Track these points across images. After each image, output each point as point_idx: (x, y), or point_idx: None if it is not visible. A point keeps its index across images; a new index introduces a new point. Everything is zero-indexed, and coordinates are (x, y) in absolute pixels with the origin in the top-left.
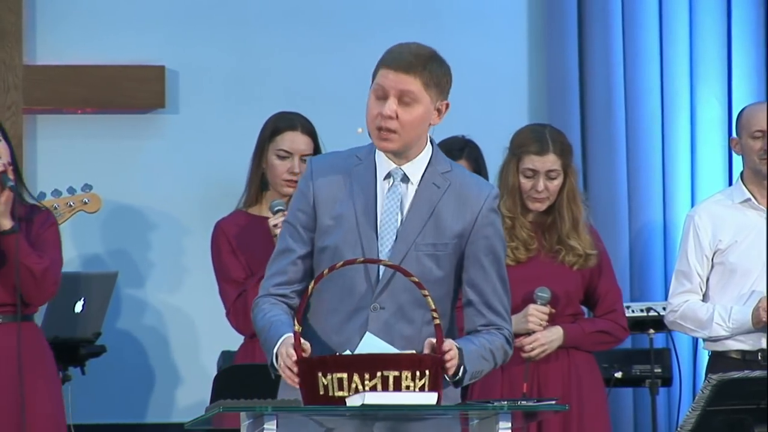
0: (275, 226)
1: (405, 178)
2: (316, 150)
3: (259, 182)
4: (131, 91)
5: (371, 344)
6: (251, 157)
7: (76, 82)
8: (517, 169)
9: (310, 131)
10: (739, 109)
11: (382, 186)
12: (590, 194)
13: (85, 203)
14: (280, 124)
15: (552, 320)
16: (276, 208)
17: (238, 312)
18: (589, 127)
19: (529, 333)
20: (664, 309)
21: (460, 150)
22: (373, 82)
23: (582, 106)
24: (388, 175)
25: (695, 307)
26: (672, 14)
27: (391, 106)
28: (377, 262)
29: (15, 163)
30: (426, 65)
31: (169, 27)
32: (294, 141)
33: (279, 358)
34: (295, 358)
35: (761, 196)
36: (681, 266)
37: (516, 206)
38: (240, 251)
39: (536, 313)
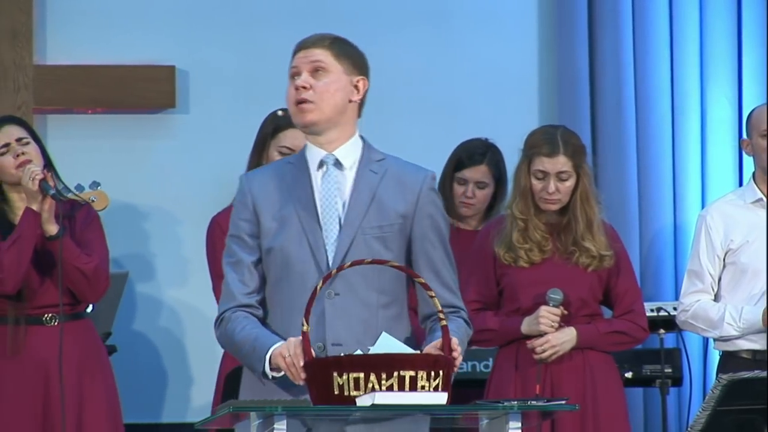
0: None
1: (338, 164)
2: None
3: None
4: (141, 91)
5: (387, 344)
6: (250, 152)
7: (87, 82)
8: (528, 170)
9: None
10: (750, 110)
11: (315, 177)
12: (600, 195)
13: (93, 201)
14: (282, 121)
15: (566, 322)
16: None
17: None
18: (599, 127)
19: (541, 334)
20: (674, 309)
21: (482, 154)
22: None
23: (592, 106)
24: (321, 164)
25: (706, 306)
26: (682, 14)
27: (305, 77)
28: (382, 263)
29: (49, 160)
30: (333, 41)
31: (179, 27)
32: (297, 138)
33: (275, 360)
34: (301, 357)
35: None
36: (693, 266)
37: (529, 208)
38: None
39: (547, 314)
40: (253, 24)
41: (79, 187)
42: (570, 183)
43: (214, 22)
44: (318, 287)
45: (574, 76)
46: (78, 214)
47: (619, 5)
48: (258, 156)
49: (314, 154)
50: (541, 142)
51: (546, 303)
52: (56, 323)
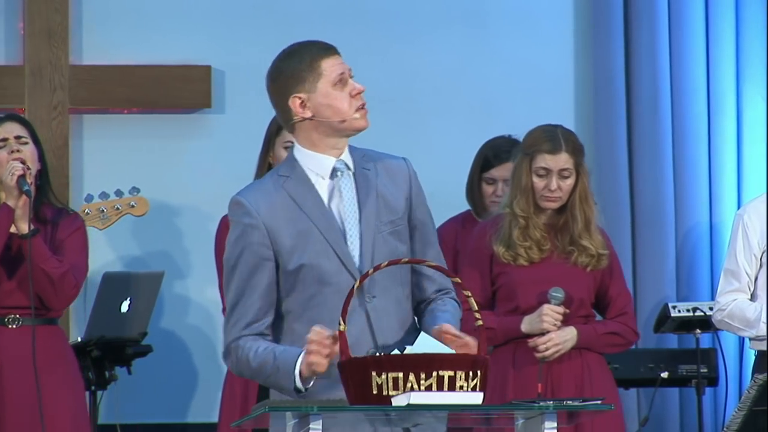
0: None
1: (348, 168)
2: None
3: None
4: (177, 91)
5: (426, 344)
6: (259, 153)
7: (122, 82)
8: (530, 168)
9: None
10: None
11: (321, 186)
12: (636, 194)
13: (132, 206)
14: None
15: (565, 321)
16: None
17: None
18: (635, 127)
19: (542, 333)
20: (710, 309)
21: (508, 152)
22: (319, 78)
23: (628, 106)
24: (334, 171)
25: (743, 306)
26: (718, 14)
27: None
28: (421, 262)
29: (45, 166)
30: None
31: (215, 27)
32: None
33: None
34: (328, 342)
35: None
36: (729, 265)
37: (529, 206)
38: None
39: (551, 313)
40: (288, 24)
41: (119, 193)
42: (570, 181)
43: (250, 22)
44: (354, 287)
45: (610, 76)
46: (62, 221)
47: (655, 5)
48: (265, 155)
49: (322, 163)
50: (542, 140)
51: (548, 301)
52: (16, 326)
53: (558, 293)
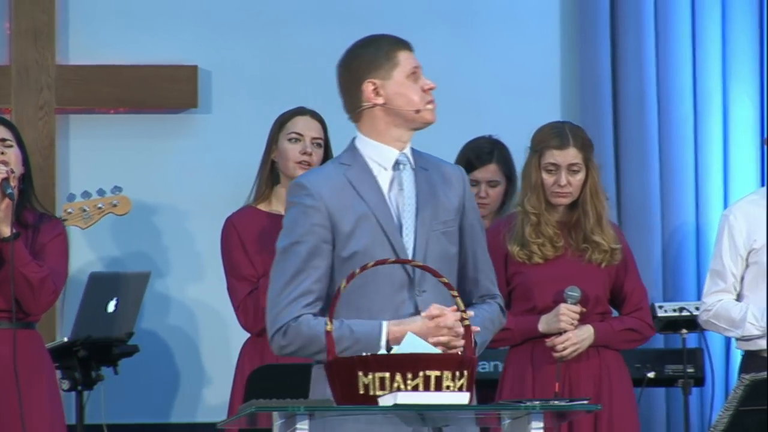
0: None
1: (409, 163)
2: (327, 139)
3: (268, 176)
4: (164, 91)
5: (412, 344)
6: (263, 152)
7: (109, 82)
8: (539, 165)
9: (320, 119)
10: None
11: (387, 177)
12: (623, 194)
13: (114, 205)
14: (288, 113)
15: (582, 319)
16: None
17: (248, 309)
18: (621, 127)
19: (560, 332)
20: (696, 309)
21: (490, 153)
22: (395, 67)
23: (614, 106)
24: (396, 164)
25: (729, 306)
26: (705, 14)
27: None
28: (406, 262)
29: (29, 169)
30: None
31: (202, 27)
32: (304, 123)
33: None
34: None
35: None
36: (715, 266)
37: (540, 203)
38: (251, 248)
39: (568, 312)
40: (275, 24)
41: (101, 192)
42: (580, 177)
43: (236, 22)
44: (342, 286)
45: (596, 75)
46: (44, 226)
47: (642, 5)
48: (268, 152)
49: (385, 154)
50: (550, 136)
51: (564, 301)
52: None
53: (574, 292)
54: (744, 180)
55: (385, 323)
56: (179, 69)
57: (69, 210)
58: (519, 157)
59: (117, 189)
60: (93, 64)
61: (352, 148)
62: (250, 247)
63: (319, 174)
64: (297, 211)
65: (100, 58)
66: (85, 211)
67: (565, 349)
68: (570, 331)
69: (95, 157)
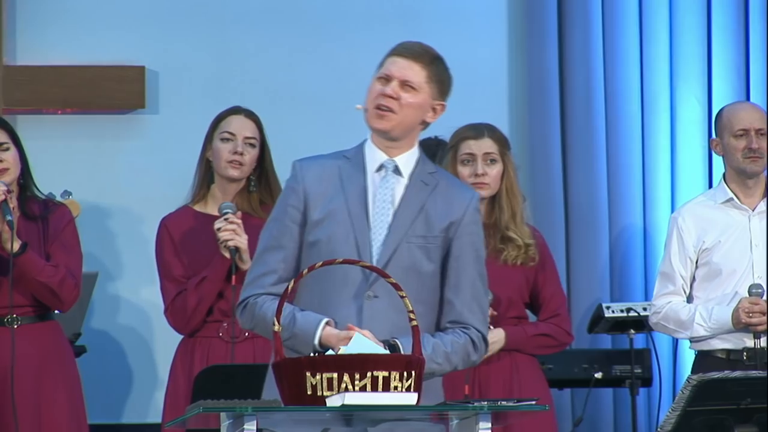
0: (218, 229)
1: (397, 170)
2: (262, 139)
3: (204, 176)
4: (111, 91)
5: (360, 344)
6: (200, 153)
7: (56, 82)
8: (455, 159)
9: (255, 119)
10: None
11: (372, 179)
12: (570, 194)
13: None
14: (223, 113)
15: (495, 323)
16: (224, 210)
17: (176, 310)
18: (569, 127)
19: None
20: (644, 309)
21: (433, 156)
22: (378, 70)
23: (562, 106)
24: (381, 167)
25: (677, 308)
26: (652, 14)
27: (394, 87)
28: (355, 263)
29: (26, 165)
30: (433, 61)
31: (149, 27)
32: (237, 123)
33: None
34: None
35: (744, 196)
36: (664, 268)
37: None
38: (182, 249)
39: None
40: (223, 24)
41: (51, 196)
42: (497, 169)
43: (184, 22)
44: (290, 285)
45: (544, 75)
46: (52, 217)
47: (589, 4)
48: (204, 151)
49: (375, 155)
50: (465, 129)
51: None
52: (17, 325)
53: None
54: (691, 181)
55: (322, 324)
56: (127, 69)
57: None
58: None
59: (66, 193)
60: (40, 65)
61: (360, 145)
62: (180, 248)
63: (315, 159)
64: (284, 190)
65: (47, 58)
66: None
67: None
68: None
69: (43, 158)
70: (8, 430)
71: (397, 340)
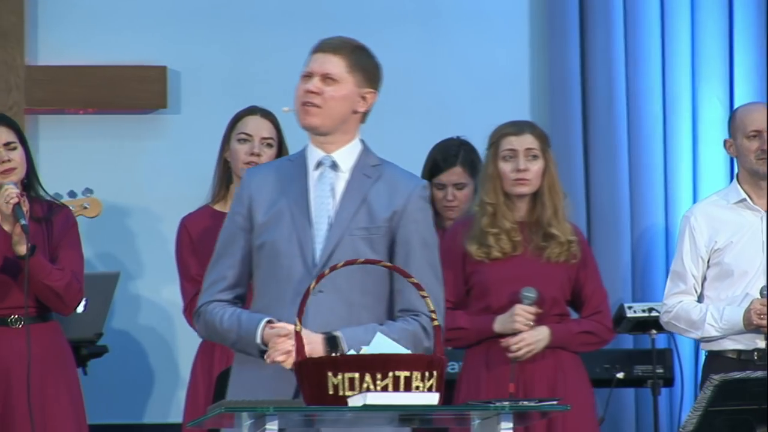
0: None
1: (334, 166)
2: (280, 138)
3: (223, 176)
4: (133, 91)
5: (382, 344)
6: (218, 153)
7: (78, 82)
8: (496, 155)
9: (272, 119)
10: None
11: (312, 176)
12: (592, 194)
13: (85, 208)
14: (240, 113)
15: (539, 320)
16: None
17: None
18: (590, 128)
19: (515, 333)
20: None
21: (455, 155)
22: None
23: (584, 106)
24: (319, 164)
25: (688, 308)
26: (674, 14)
27: (316, 82)
28: (377, 263)
29: (32, 165)
30: (354, 51)
31: (171, 27)
32: (253, 123)
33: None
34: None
35: (757, 197)
36: (676, 267)
37: (498, 194)
38: (200, 248)
39: (523, 313)
40: (244, 24)
41: (72, 194)
42: (539, 165)
43: (205, 22)
44: (311, 287)
45: (566, 76)
46: (56, 218)
47: (611, 5)
48: (222, 151)
49: (313, 153)
50: (505, 126)
51: (520, 301)
52: (21, 325)
53: (530, 293)
54: (713, 181)
55: (263, 324)
56: (148, 69)
57: None
58: None
59: (88, 191)
60: (62, 65)
61: (304, 147)
62: (198, 247)
63: (262, 166)
64: (233, 199)
65: (69, 58)
66: None
67: (519, 349)
68: (525, 331)
69: (65, 158)
70: (12, 429)
71: (337, 333)
